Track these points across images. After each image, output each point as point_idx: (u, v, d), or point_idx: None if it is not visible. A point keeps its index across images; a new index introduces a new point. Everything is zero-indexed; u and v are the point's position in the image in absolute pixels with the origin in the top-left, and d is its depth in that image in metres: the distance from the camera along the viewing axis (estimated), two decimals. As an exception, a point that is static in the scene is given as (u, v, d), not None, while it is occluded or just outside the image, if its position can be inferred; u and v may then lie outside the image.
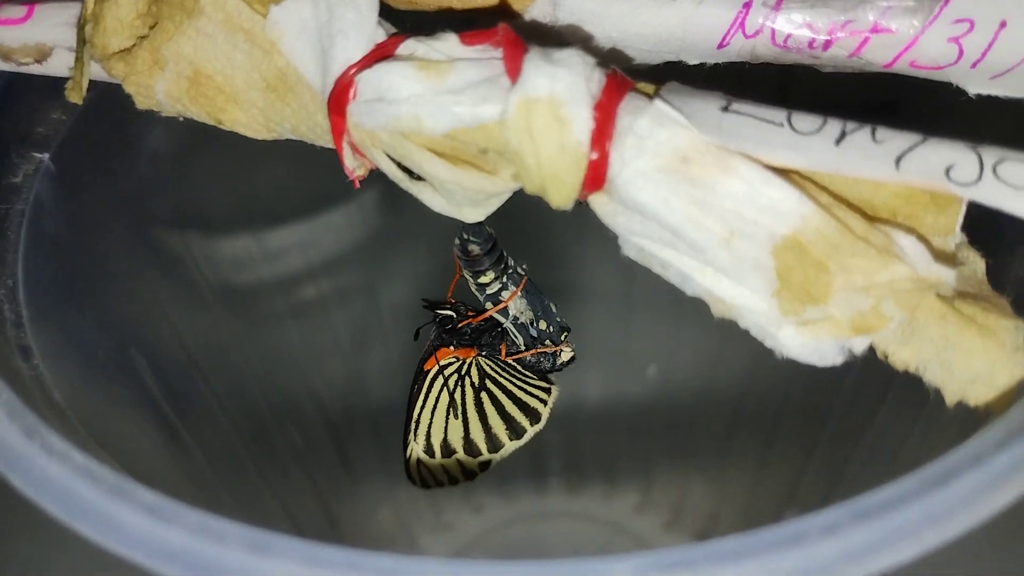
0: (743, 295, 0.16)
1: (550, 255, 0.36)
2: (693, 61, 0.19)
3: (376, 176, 0.34)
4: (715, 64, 0.19)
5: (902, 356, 0.16)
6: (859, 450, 0.33)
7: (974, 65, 0.18)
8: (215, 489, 0.27)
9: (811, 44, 0.18)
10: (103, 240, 0.23)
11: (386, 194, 0.34)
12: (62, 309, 0.21)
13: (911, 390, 0.29)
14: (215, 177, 0.29)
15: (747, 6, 0.18)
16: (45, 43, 0.19)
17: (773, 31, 0.18)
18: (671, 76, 0.17)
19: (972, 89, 0.18)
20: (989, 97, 0.18)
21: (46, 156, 0.21)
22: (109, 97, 0.23)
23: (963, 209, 0.16)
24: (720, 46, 0.19)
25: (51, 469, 0.13)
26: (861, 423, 0.32)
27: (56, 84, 0.22)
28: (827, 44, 0.18)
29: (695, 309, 0.38)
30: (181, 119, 0.19)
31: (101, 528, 0.12)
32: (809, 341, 0.16)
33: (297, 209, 0.33)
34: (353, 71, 0.16)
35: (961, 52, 0.17)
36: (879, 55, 0.18)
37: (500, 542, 0.45)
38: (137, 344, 0.24)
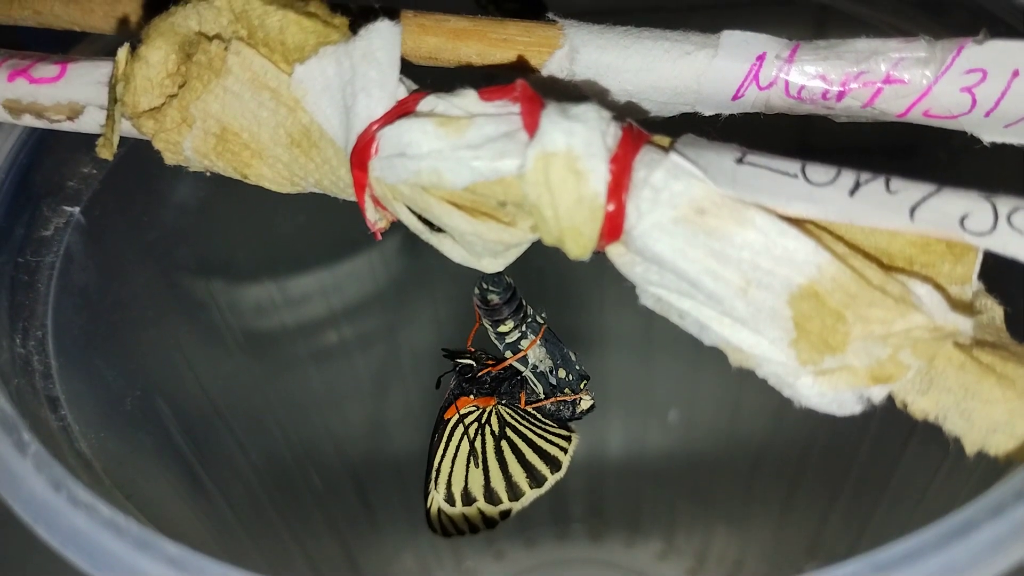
0: (761, 345, 0.16)
1: (567, 301, 0.36)
2: (708, 112, 0.20)
3: (397, 225, 0.35)
4: (730, 115, 0.20)
5: (921, 405, 0.16)
6: (883, 497, 0.33)
7: (987, 114, 0.18)
8: (237, 535, 0.27)
9: (824, 95, 0.18)
10: (130, 289, 0.24)
11: (406, 241, 0.35)
12: (90, 359, 0.21)
13: (933, 437, 0.29)
14: (239, 225, 0.30)
15: (760, 59, 0.18)
16: (77, 101, 0.19)
17: (787, 83, 0.18)
18: (687, 127, 0.17)
19: (987, 138, 0.18)
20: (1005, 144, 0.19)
21: (76, 210, 0.22)
22: (138, 152, 0.24)
23: (979, 258, 0.16)
24: (735, 97, 0.19)
25: (78, 521, 0.13)
26: (885, 470, 0.32)
27: (87, 139, 0.23)
28: (840, 95, 0.18)
29: (715, 354, 0.38)
30: (208, 174, 0.19)
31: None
32: (827, 391, 0.16)
33: (319, 256, 0.33)
34: (375, 127, 0.17)
35: (974, 102, 0.18)
36: (893, 105, 0.18)
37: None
38: (161, 392, 0.25)
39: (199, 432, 0.26)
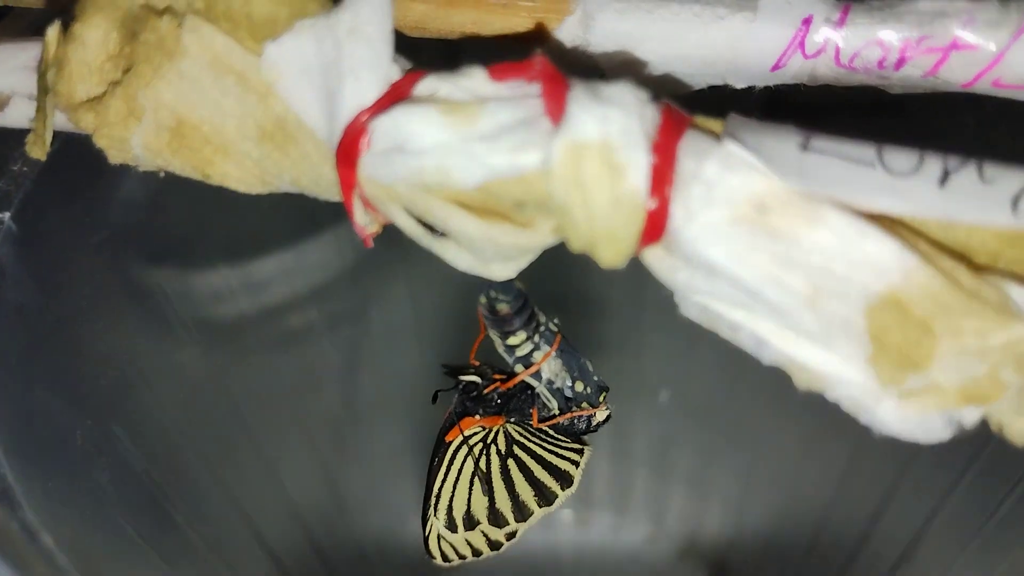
0: (832, 363, 0.14)
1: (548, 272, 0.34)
2: (740, 85, 0.17)
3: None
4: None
5: (1020, 427, 0.14)
6: (886, 501, 0.31)
7: (1068, 82, 0.16)
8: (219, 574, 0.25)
9: (881, 63, 0.16)
10: (75, 304, 0.21)
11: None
12: (31, 391, 0.18)
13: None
14: (196, 215, 0.27)
15: (807, 22, 0.16)
16: (1, 91, 0.16)
17: (838, 49, 0.16)
18: (704, 104, 0.15)
19: (1061, 108, 0.16)
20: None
21: (7, 215, 0.19)
22: (77, 143, 0.21)
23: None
24: (775, 68, 0.17)
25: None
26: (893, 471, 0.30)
27: (15, 132, 0.20)
28: (899, 63, 0.16)
29: (709, 334, 0.35)
30: (162, 174, 0.16)
31: None
32: (912, 415, 0.14)
33: (283, 238, 0.30)
34: (366, 117, 0.14)
35: (1054, 68, 0.15)
36: (959, 74, 0.16)
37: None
38: (117, 418, 0.22)
39: (161, 457, 0.23)
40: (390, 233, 0.33)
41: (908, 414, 0.14)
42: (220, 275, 0.29)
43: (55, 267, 0.20)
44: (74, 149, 0.21)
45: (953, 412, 0.14)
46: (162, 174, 0.16)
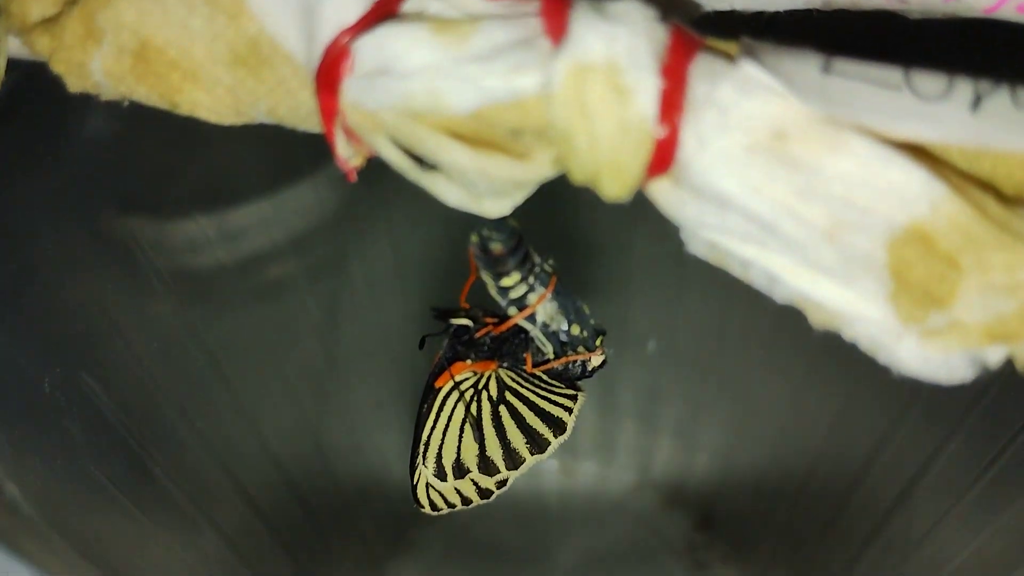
0: (850, 300, 0.13)
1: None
2: (752, 8, 0.16)
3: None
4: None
5: (1048, 367, 0.13)
6: (881, 452, 0.31)
7: (1098, 3, 0.15)
8: (196, 524, 0.24)
9: (901, -16, 0.15)
10: (39, 250, 0.20)
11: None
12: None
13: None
14: (165, 156, 0.25)
15: (822, -62, 0.15)
16: (-55, 14, 0.15)
17: (854, -32, 0.15)
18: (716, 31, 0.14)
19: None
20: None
21: (-40, 153, 0.17)
22: (36, 75, 0.19)
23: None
24: (788, -11, 0.15)
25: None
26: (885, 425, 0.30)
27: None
28: (921, -17, 0.15)
29: (697, 281, 0.35)
30: (126, 103, 0.15)
31: None
32: (934, 354, 0.13)
33: (259, 184, 0.29)
34: (348, 37, 0.13)
35: (1085, -13, 0.14)
36: (982, -4, 0.15)
37: (495, 528, 0.43)
38: (86, 367, 0.21)
39: (136, 408, 0.22)
40: (371, 174, 0.32)
41: (929, 353, 0.13)
42: (194, 223, 0.27)
43: (15, 213, 0.19)
44: (33, 84, 0.19)
45: (977, 351, 0.13)
46: (126, 103, 0.15)
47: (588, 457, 0.44)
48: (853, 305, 0.13)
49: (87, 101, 0.21)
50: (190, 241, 0.27)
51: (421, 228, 0.33)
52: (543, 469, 0.44)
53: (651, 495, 0.44)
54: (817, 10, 0.16)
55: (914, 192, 0.12)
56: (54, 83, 0.20)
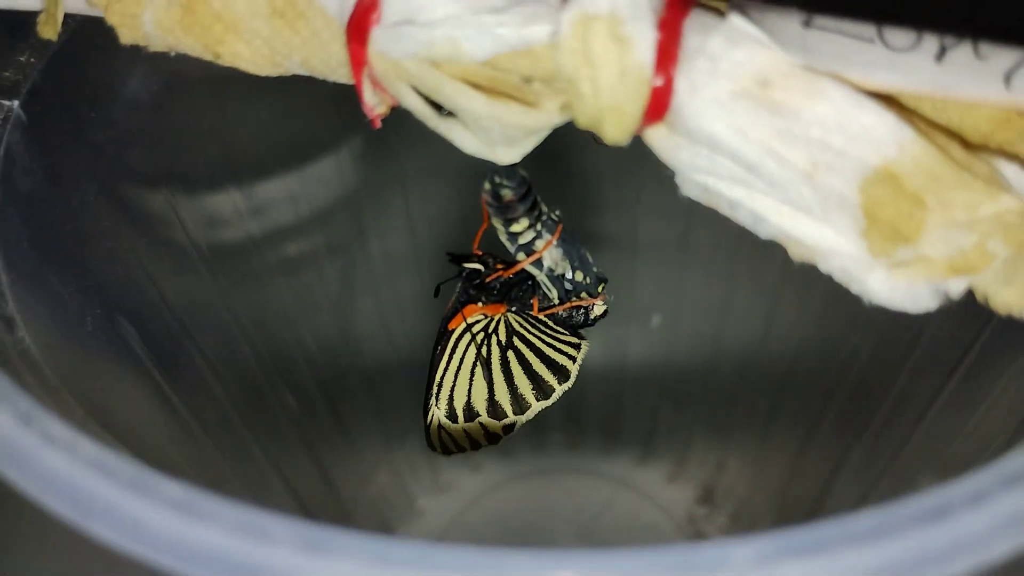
0: (826, 236, 0.14)
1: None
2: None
3: (359, 128, 0.32)
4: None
5: (1004, 298, 0.14)
6: (875, 416, 0.32)
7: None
8: (212, 457, 0.25)
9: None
10: (80, 197, 0.21)
11: (373, 141, 0.32)
12: (43, 274, 0.19)
13: (932, 363, 0.27)
14: (196, 125, 0.27)
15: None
16: (10, -30, 0.16)
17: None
18: None
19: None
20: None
21: (15, 103, 0.19)
22: (81, 38, 0.21)
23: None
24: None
25: (56, 462, 0.11)
26: (880, 389, 0.31)
27: (22, 23, 0.20)
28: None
29: (701, 257, 0.36)
30: (172, 54, 0.16)
31: (121, 529, 0.10)
32: (901, 285, 0.14)
33: (284, 158, 0.30)
34: (377, -10, 0.14)
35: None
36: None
37: (501, 501, 0.44)
38: (122, 310, 0.22)
39: (166, 352, 0.24)
40: (388, 150, 0.33)
41: (897, 284, 0.14)
42: (225, 195, 0.29)
43: (62, 159, 0.21)
44: (79, 44, 0.21)
45: (940, 283, 0.14)
46: (172, 54, 0.16)
47: (593, 431, 0.45)
48: (829, 241, 0.14)
49: (127, 66, 0.23)
50: (217, 208, 0.29)
51: (434, 202, 0.35)
52: (547, 442, 0.45)
53: (655, 469, 0.45)
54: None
55: (884, 135, 0.13)
56: (98, 43, 0.21)
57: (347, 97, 0.29)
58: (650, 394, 0.43)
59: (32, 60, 0.20)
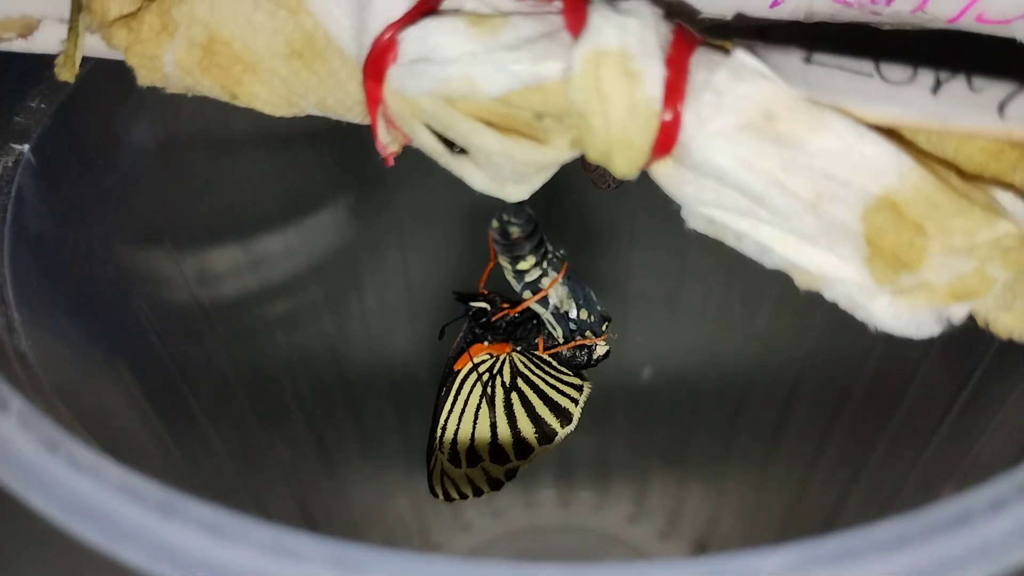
0: (832, 264, 0.15)
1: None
2: (741, 23, 0.18)
3: (350, 182, 0.32)
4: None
5: (1005, 322, 0.15)
6: (870, 457, 0.32)
7: (1045, 17, 0.17)
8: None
9: (873, -1, 0.17)
10: (86, 241, 0.21)
11: (370, 195, 0.33)
12: (51, 314, 0.19)
13: (927, 399, 0.28)
14: (198, 176, 0.27)
15: (804, -40, 0.17)
16: (31, 15, 0.17)
17: (833, -15, 0.17)
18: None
19: (1039, 45, 0.17)
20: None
21: (26, 147, 0.19)
22: (90, 87, 0.21)
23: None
24: (774, 4, 0.18)
25: (83, 487, 0.11)
26: (873, 431, 0.31)
27: (33, 69, 0.20)
28: (890, -2, 0.17)
29: (691, 307, 0.36)
30: (182, 100, 0.17)
31: (151, 552, 0.10)
32: (904, 311, 0.15)
33: (283, 211, 0.31)
34: (395, 30, 0.15)
35: (1033, 2, 0.17)
36: (945, 9, 0.17)
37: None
38: (124, 354, 0.22)
39: (164, 398, 0.24)
40: (386, 202, 0.33)
41: (901, 311, 0.15)
42: (226, 248, 0.29)
43: (69, 203, 0.21)
44: (88, 91, 0.21)
45: (943, 309, 0.14)
46: (190, 95, 0.17)
47: (584, 487, 0.45)
48: (833, 269, 0.15)
49: (133, 115, 0.24)
50: (218, 262, 0.29)
51: (432, 256, 0.35)
52: (539, 499, 0.45)
53: (647, 525, 0.44)
54: (800, 22, 0.18)
55: (885, 164, 0.14)
56: (107, 92, 0.22)
57: (345, 151, 0.30)
58: (640, 448, 0.43)
59: (43, 106, 0.20)
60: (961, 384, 0.26)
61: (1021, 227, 0.14)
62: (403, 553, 0.10)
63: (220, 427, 0.27)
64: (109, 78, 0.21)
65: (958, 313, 0.15)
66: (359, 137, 0.28)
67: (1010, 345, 0.14)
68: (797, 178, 0.14)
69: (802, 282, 0.15)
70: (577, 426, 0.40)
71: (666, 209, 0.16)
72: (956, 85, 0.14)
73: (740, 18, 0.18)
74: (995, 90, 0.14)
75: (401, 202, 0.33)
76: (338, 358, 0.35)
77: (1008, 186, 0.14)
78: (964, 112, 0.14)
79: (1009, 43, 0.17)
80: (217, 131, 0.26)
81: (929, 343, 0.15)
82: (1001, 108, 0.14)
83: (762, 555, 0.10)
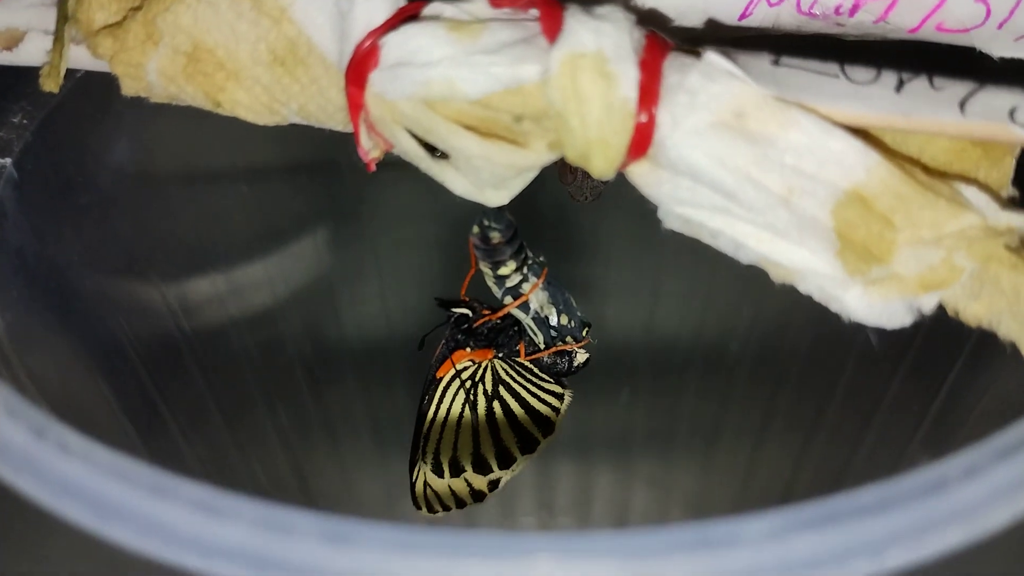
0: (804, 257, 0.15)
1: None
2: (711, 34, 0.19)
3: (330, 208, 0.33)
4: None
5: (974, 311, 0.15)
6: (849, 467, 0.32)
7: (1000, 25, 0.17)
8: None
9: (837, 10, 0.18)
10: (65, 256, 0.21)
11: (348, 222, 0.33)
12: (31, 325, 0.19)
13: (906, 403, 0.28)
14: (177, 198, 0.27)
15: (770, -28, 0.18)
16: (17, 27, 0.17)
17: (798, -3, 0.18)
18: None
19: (996, 52, 0.18)
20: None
21: (8, 161, 0.19)
22: (71, 103, 0.21)
23: (1013, 162, 0.16)
24: (742, 16, 0.18)
25: (72, 470, 0.11)
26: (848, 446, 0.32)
27: (15, 85, 0.21)
28: (854, 9, 0.18)
29: (665, 326, 0.37)
30: (174, 103, 0.17)
31: (143, 532, 0.10)
32: (876, 302, 0.15)
33: (262, 237, 0.31)
34: (376, 36, 0.15)
35: (988, 12, 0.17)
36: (906, 19, 0.18)
37: None
38: (102, 371, 0.22)
39: (142, 417, 0.24)
40: (364, 233, 0.33)
41: (873, 302, 0.15)
42: (204, 273, 0.29)
43: (49, 218, 0.21)
44: (69, 108, 0.21)
45: (913, 299, 0.15)
46: (174, 103, 0.17)
47: (565, 514, 0.45)
48: (806, 262, 0.15)
49: (113, 134, 0.24)
50: (197, 287, 0.29)
51: (409, 282, 0.35)
52: (520, 527, 0.45)
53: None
54: (768, 37, 0.19)
55: (852, 160, 0.14)
56: (86, 110, 0.22)
57: (322, 181, 0.30)
58: (622, 473, 0.43)
59: (25, 121, 0.20)
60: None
61: (985, 218, 0.14)
62: (393, 526, 0.10)
63: (197, 449, 0.27)
64: (88, 98, 0.21)
65: (928, 303, 0.15)
66: (336, 167, 0.28)
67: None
68: (769, 174, 0.15)
69: (777, 276, 0.15)
70: (556, 452, 0.41)
71: (643, 213, 0.17)
72: (918, 84, 0.15)
73: (710, 27, 0.19)
74: (956, 88, 0.15)
75: (377, 230, 0.33)
76: (317, 384, 0.35)
77: (971, 180, 0.15)
78: (927, 107, 0.14)
79: (968, 51, 0.18)
80: (196, 160, 0.27)
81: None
82: (962, 105, 0.14)
83: (746, 521, 0.10)
